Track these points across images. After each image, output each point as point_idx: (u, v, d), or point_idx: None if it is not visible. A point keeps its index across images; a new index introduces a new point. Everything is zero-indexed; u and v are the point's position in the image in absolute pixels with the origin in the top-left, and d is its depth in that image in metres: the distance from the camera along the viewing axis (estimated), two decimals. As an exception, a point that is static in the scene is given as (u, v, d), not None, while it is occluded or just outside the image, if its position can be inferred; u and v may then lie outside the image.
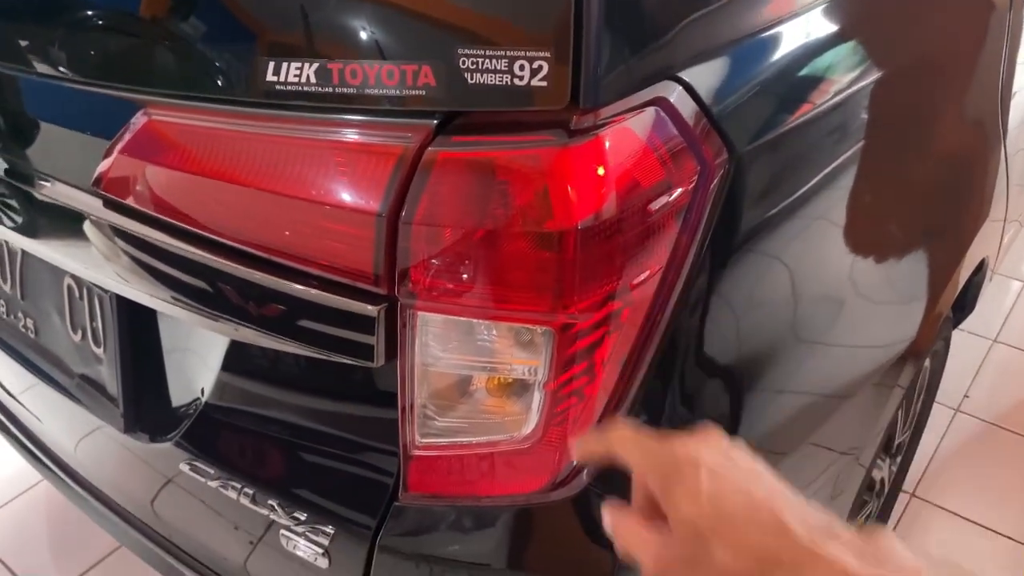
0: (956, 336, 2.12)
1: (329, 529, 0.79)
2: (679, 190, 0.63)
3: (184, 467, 0.87)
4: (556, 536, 0.72)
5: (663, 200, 0.63)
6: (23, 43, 0.83)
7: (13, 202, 0.89)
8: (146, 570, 1.13)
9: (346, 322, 0.67)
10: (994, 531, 1.62)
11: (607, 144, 0.60)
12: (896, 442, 1.42)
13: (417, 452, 0.71)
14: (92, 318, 0.90)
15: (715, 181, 0.65)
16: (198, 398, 0.88)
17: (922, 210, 1.03)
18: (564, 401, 0.67)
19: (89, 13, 0.79)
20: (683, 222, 0.65)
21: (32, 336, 1.01)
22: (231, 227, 0.69)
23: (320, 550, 0.80)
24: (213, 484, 0.86)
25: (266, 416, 0.84)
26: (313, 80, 0.64)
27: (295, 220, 0.66)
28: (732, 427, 0.77)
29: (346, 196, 0.64)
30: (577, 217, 0.59)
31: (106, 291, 0.86)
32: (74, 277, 0.91)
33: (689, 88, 0.64)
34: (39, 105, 0.84)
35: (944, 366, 1.55)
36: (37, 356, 1.02)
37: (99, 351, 0.92)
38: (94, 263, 0.83)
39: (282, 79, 0.65)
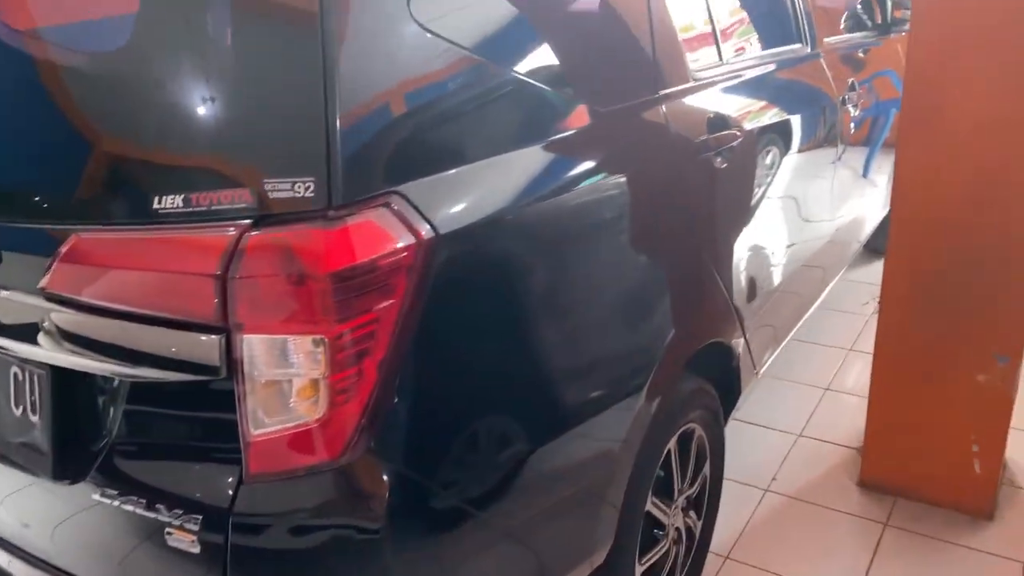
0: (768, 434, 2.59)
1: (198, 517, 1.12)
2: (403, 253, 1.07)
3: (95, 496, 1.21)
4: (349, 487, 1.08)
5: (392, 258, 1.06)
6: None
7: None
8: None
9: (200, 350, 1.06)
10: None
11: (350, 227, 1.04)
12: (682, 493, 1.78)
13: (253, 439, 1.07)
14: (32, 392, 1.27)
15: (425, 248, 1.09)
16: (103, 441, 1.23)
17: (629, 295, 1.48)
18: (342, 392, 1.05)
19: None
20: (408, 272, 1.07)
21: (-21, 423, 1.35)
22: (123, 297, 1.10)
23: (193, 537, 1.13)
24: (116, 503, 1.19)
25: (145, 442, 1.20)
26: (180, 205, 1.07)
27: (166, 287, 1.07)
28: (463, 402, 1.17)
29: (197, 266, 1.05)
30: (333, 267, 1.01)
31: (43, 367, 1.23)
32: (19, 365, 1.28)
33: (405, 196, 1.09)
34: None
35: (723, 440, 1.95)
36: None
37: (35, 418, 1.27)
38: (38, 345, 1.21)
39: (162, 205, 1.08)
